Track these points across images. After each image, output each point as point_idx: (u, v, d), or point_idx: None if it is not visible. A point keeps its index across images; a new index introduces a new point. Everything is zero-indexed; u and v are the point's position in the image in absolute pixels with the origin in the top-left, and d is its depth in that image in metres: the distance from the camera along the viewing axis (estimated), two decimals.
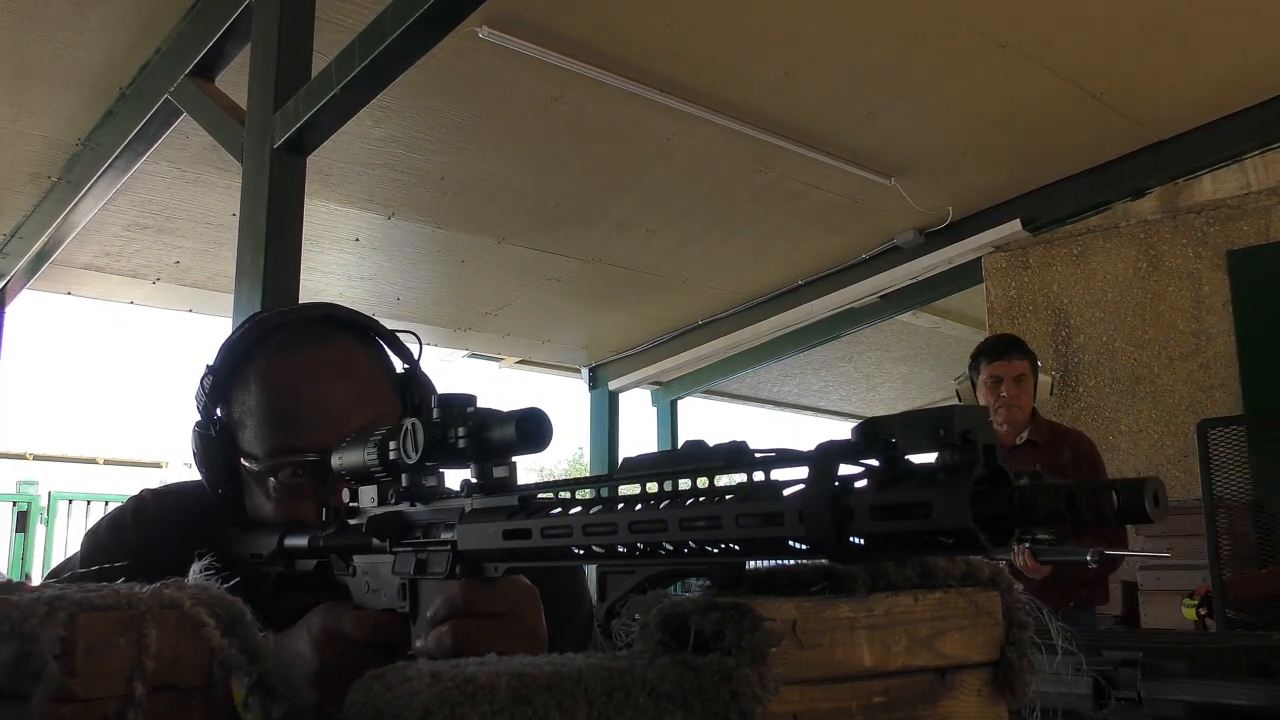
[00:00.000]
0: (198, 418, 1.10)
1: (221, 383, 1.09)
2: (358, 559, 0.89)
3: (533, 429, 0.72)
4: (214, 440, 1.07)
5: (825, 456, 0.49)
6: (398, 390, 1.12)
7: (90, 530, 1.15)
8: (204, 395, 1.09)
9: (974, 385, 3.27)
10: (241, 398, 1.08)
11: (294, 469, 1.02)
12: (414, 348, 1.16)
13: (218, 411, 1.09)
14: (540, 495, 0.70)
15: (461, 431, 0.75)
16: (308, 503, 1.01)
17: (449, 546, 0.76)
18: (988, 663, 0.57)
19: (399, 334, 1.15)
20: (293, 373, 1.06)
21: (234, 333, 1.14)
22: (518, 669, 0.44)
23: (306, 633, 0.87)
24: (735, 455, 0.54)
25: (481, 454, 0.75)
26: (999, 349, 3.26)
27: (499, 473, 0.75)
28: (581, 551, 0.62)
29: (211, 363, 1.11)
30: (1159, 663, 1.41)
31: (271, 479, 1.03)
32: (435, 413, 0.77)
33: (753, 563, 0.55)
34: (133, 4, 3.50)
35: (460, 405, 0.77)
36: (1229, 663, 1.47)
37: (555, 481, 0.69)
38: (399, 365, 1.15)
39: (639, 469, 0.59)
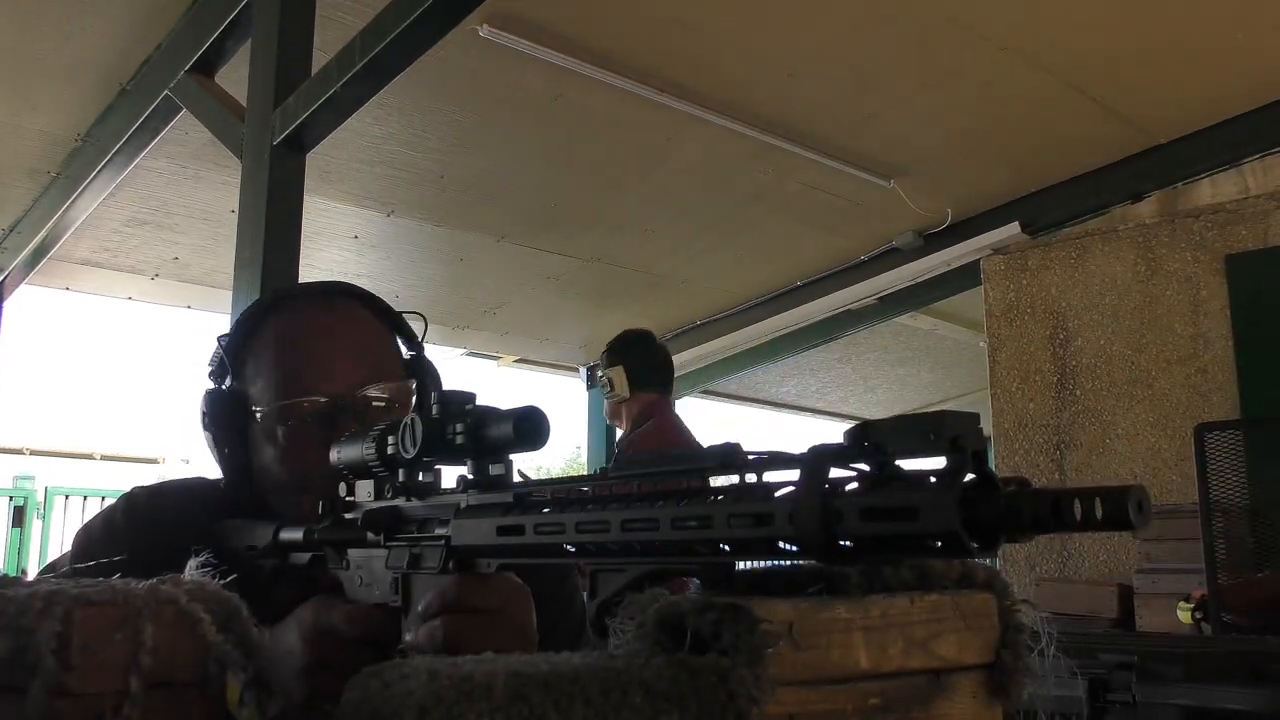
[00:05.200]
0: (210, 384, 1.13)
1: (236, 346, 1.13)
2: (352, 553, 0.89)
3: (530, 427, 0.72)
4: (225, 399, 1.10)
5: (816, 459, 0.49)
6: (405, 369, 1.16)
7: (82, 528, 1.16)
8: (218, 358, 1.12)
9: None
10: (254, 356, 1.11)
11: (302, 417, 1.05)
12: (418, 328, 1.20)
13: (229, 379, 1.12)
14: (535, 493, 0.70)
15: (459, 428, 0.75)
16: (314, 456, 1.02)
17: (443, 542, 0.76)
18: (983, 665, 0.58)
19: (405, 314, 1.20)
20: (305, 326, 1.11)
21: (250, 305, 1.19)
22: (515, 667, 0.44)
23: (297, 627, 0.87)
24: (728, 456, 0.54)
25: (478, 451, 0.75)
26: None
27: (495, 470, 0.75)
28: (574, 549, 0.62)
29: (227, 331, 1.16)
30: (1155, 667, 1.41)
31: (279, 429, 1.05)
32: (434, 409, 0.77)
33: (746, 564, 0.55)
34: None
35: (459, 402, 0.77)
36: (1225, 667, 1.47)
37: (550, 480, 0.70)
38: (405, 353, 1.19)
39: (633, 468, 0.59)
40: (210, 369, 1.13)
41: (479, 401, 0.78)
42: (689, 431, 3.41)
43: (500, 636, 0.75)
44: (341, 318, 1.13)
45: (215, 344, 1.13)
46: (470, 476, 0.76)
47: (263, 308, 1.15)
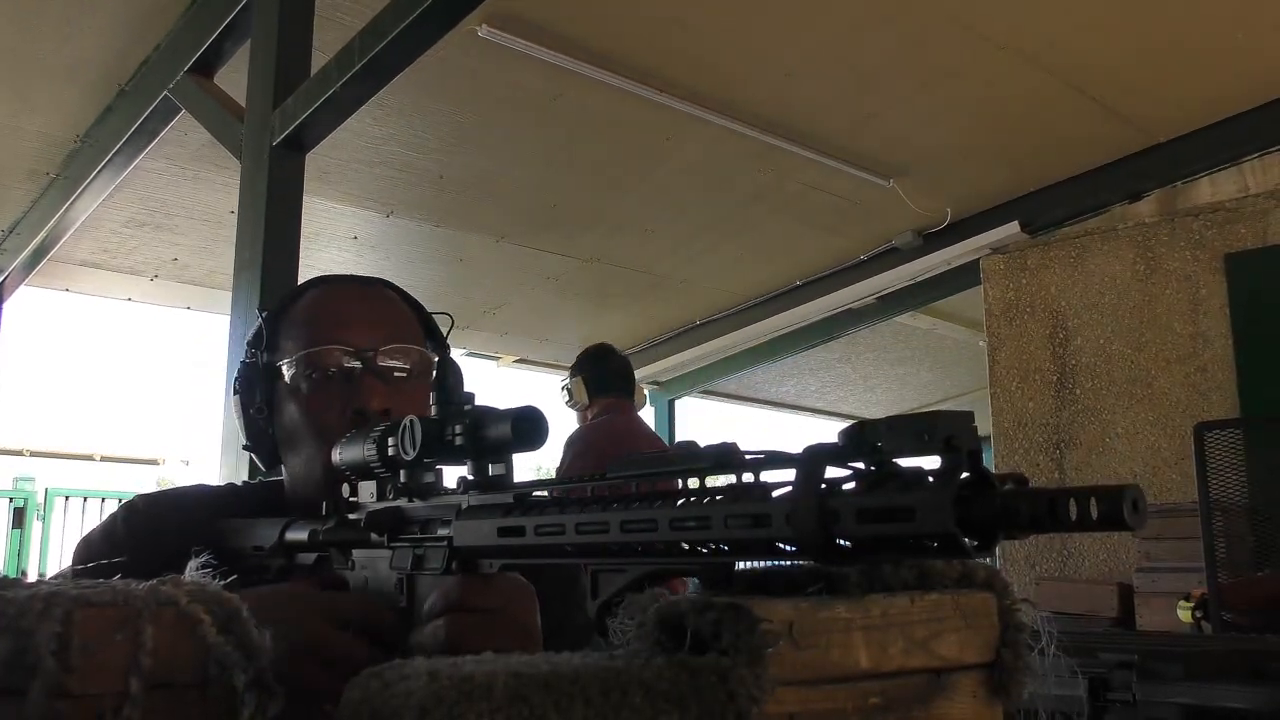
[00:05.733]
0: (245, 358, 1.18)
1: (272, 319, 1.18)
2: (357, 553, 0.89)
3: (528, 427, 0.73)
4: (257, 365, 1.14)
5: (812, 459, 0.50)
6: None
7: (83, 539, 1.17)
8: (258, 329, 1.17)
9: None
10: (287, 325, 1.16)
11: (326, 370, 1.08)
12: (444, 328, 1.25)
13: (263, 350, 1.16)
14: (535, 493, 0.70)
15: (458, 429, 0.76)
16: (334, 410, 1.06)
17: (445, 542, 0.77)
18: (983, 664, 0.57)
19: (433, 314, 1.26)
20: (337, 294, 1.17)
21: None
22: (515, 668, 0.44)
23: (305, 609, 0.86)
24: (725, 456, 0.54)
25: (478, 451, 0.75)
26: None
27: (495, 470, 0.75)
28: (574, 549, 0.62)
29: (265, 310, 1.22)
30: (1155, 665, 1.41)
31: (303, 382, 1.09)
32: (433, 410, 0.78)
33: (744, 564, 0.55)
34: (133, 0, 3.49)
35: (458, 403, 0.78)
36: (1225, 666, 1.47)
37: (550, 480, 0.70)
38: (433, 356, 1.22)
39: (631, 469, 0.59)
40: (248, 340, 1.18)
41: (478, 402, 0.79)
42: (646, 429, 3.60)
43: (502, 636, 0.75)
44: (373, 295, 1.19)
45: (258, 317, 1.20)
46: (470, 477, 0.76)
47: (303, 287, 1.21)
